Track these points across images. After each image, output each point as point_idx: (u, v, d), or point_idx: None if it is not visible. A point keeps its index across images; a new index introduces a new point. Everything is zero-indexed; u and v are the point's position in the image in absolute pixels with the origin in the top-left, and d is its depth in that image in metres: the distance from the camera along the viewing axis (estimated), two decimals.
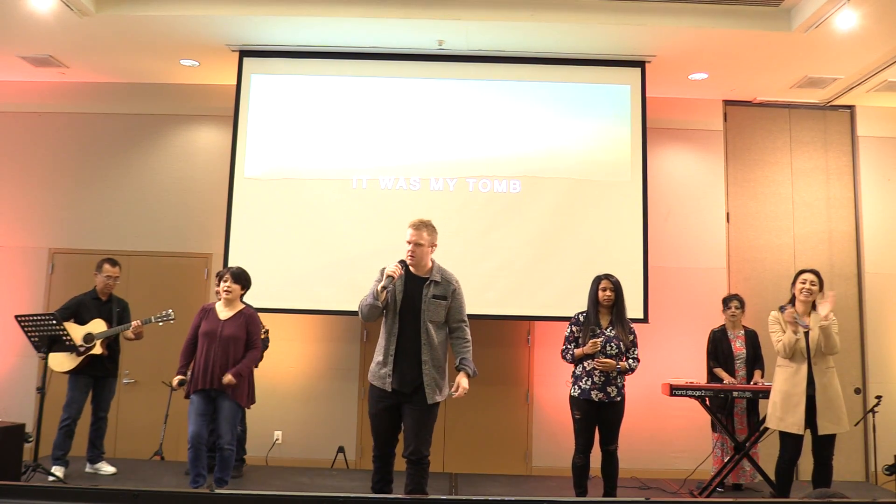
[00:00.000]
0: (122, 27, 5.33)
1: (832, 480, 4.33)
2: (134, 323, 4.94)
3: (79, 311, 4.96)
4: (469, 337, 3.92)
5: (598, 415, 4.38)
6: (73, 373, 4.88)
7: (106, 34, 5.45)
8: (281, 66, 5.86)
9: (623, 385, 4.41)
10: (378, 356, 3.81)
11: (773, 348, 4.43)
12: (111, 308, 5.05)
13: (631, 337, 4.44)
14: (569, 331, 4.54)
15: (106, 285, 5.06)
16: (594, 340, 4.34)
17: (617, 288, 4.46)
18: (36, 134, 6.45)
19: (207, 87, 6.43)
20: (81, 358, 4.85)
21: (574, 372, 4.48)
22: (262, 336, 5.31)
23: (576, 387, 4.43)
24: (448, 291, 3.84)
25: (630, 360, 4.39)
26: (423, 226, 3.82)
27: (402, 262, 3.80)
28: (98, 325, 4.94)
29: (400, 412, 3.78)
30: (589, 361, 4.38)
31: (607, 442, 4.39)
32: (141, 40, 5.55)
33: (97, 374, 4.97)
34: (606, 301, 4.45)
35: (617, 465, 4.42)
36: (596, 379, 4.34)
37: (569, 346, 4.50)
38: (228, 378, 4.32)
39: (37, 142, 6.44)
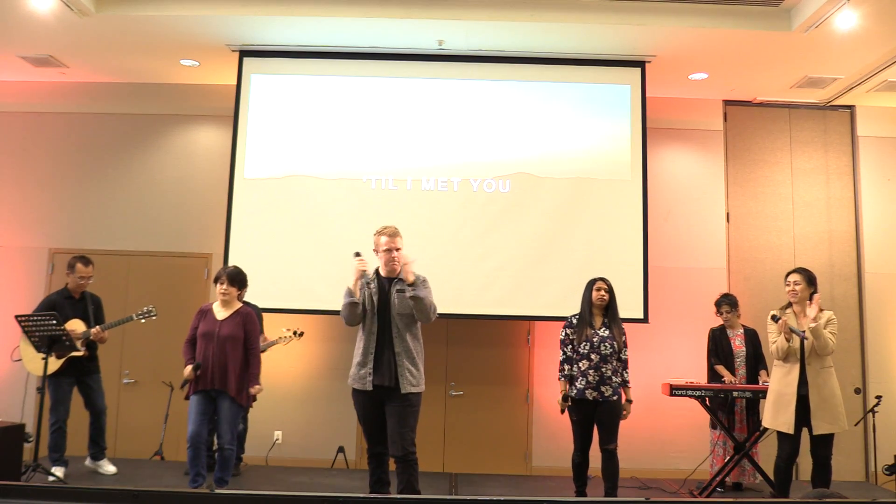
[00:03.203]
0: (122, 27, 5.33)
1: (831, 480, 4.33)
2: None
3: (52, 311, 4.85)
4: (429, 295, 3.99)
5: (595, 413, 4.44)
6: (52, 376, 4.80)
7: (106, 34, 5.45)
8: (281, 66, 5.86)
9: (619, 383, 4.47)
10: (357, 357, 3.99)
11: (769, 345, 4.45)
12: (86, 306, 5.00)
13: (623, 338, 4.54)
14: (563, 334, 4.63)
15: (79, 285, 4.99)
16: (560, 404, 4.54)
17: (611, 290, 4.59)
18: (36, 134, 6.45)
19: (207, 87, 6.43)
20: (62, 360, 4.81)
21: (571, 372, 4.54)
22: (290, 334, 5.46)
23: (572, 387, 4.50)
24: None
25: (625, 374, 4.51)
26: (398, 232, 4.06)
27: (357, 253, 4.05)
28: (76, 326, 4.89)
29: (384, 412, 3.91)
30: (584, 362, 4.44)
31: (605, 441, 4.41)
32: (141, 40, 5.55)
33: (79, 374, 4.92)
34: (600, 301, 4.54)
35: (617, 465, 4.43)
36: (590, 378, 4.41)
37: (564, 365, 4.57)
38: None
39: (37, 142, 6.44)
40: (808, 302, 4.34)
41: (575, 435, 4.52)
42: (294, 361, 6.11)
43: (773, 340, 4.36)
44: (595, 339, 4.46)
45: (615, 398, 4.42)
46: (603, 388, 4.40)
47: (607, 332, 4.49)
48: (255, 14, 5.22)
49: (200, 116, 6.44)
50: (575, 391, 4.45)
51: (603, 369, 4.41)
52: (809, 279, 4.39)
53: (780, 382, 4.33)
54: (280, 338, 5.40)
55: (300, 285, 5.67)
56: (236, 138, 5.83)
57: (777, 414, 4.30)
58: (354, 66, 5.85)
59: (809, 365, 4.24)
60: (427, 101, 5.84)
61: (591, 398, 4.41)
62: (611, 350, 4.44)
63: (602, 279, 4.61)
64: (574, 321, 4.61)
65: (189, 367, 4.40)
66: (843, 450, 5.97)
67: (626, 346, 4.55)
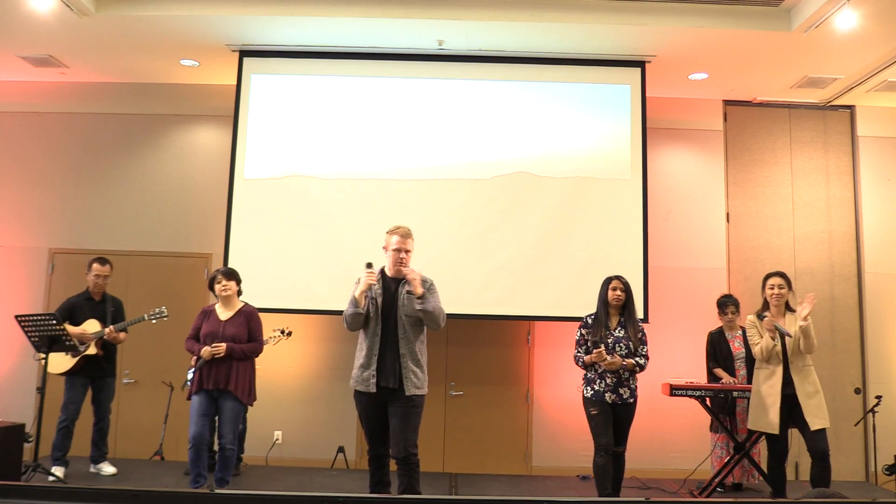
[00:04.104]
0: (122, 27, 5.33)
1: (831, 480, 4.33)
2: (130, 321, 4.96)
3: (73, 312, 4.95)
4: (439, 304, 3.96)
5: (612, 414, 4.37)
6: (68, 374, 4.88)
7: (106, 34, 5.45)
8: (281, 66, 5.86)
9: (636, 387, 4.41)
10: (360, 359, 3.92)
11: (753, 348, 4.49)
12: (105, 308, 5.03)
13: (640, 335, 4.44)
14: (579, 334, 4.53)
15: (96, 284, 5.04)
16: (598, 350, 4.32)
17: (627, 288, 4.48)
18: (36, 134, 6.45)
19: (207, 87, 6.43)
20: (76, 359, 4.85)
21: (586, 375, 4.46)
22: (278, 333, 5.42)
23: (588, 388, 4.41)
24: (423, 287, 3.93)
25: (638, 359, 4.38)
26: (410, 233, 4.02)
27: (369, 264, 3.96)
28: (91, 326, 4.93)
29: (387, 413, 3.87)
30: (599, 364, 4.37)
31: (616, 443, 4.38)
32: (141, 40, 5.55)
33: (94, 375, 4.96)
34: (616, 301, 4.45)
35: (623, 468, 4.43)
36: (608, 381, 4.34)
37: (580, 352, 4.48)
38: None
39: (37, 142, 6.44)
40: (790, 300, 4.43)
41: (597, 430, 4.33)
42: (294, 361, 6.11)
43: (755, 342, 4.40)
44: (610, 340, 4.38)
45: (632, 401, 4.38)
46: (621, 391, 4.33)
47: (623, 332, 4.41)
48: (255, 14, 5.22)
49: (200, 116, 6.44)
50: (592, 392, 4.37)
51: (620, 371, 4.34)
52: (789, 282, 4.46)
53: (764, 384, 4.37)
54: (269, 337, 5.37)
55: (300, 285, 5.67)
56: (236, 138, 5.83)
57: (761, 415, 4.34)
58: (354, 66, 5.85)
59: (792, 364, 4.29)
60: (427, 101, 5.84)
61: (609, 401, 4.34)
62: (626, 351, 4.36)
63: (618, 277, 4.49)
64: (589, 321, 4.51)
65: (207, 349, 4.35)
66: (843, 450, 5.98)
67: (644, 345, 4.43)
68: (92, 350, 4.88)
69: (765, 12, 5.16)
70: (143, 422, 5.96)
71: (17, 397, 6.03)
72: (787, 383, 4.28)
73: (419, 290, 3.83)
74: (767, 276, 4.49)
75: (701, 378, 5.31)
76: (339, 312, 5.62)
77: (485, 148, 5.78)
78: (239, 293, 4.67)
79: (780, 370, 4.30)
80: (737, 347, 5.21)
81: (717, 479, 4.96)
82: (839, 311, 6.23)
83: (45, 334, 4.60)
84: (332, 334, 6.11)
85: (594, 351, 4.33)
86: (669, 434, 5.98)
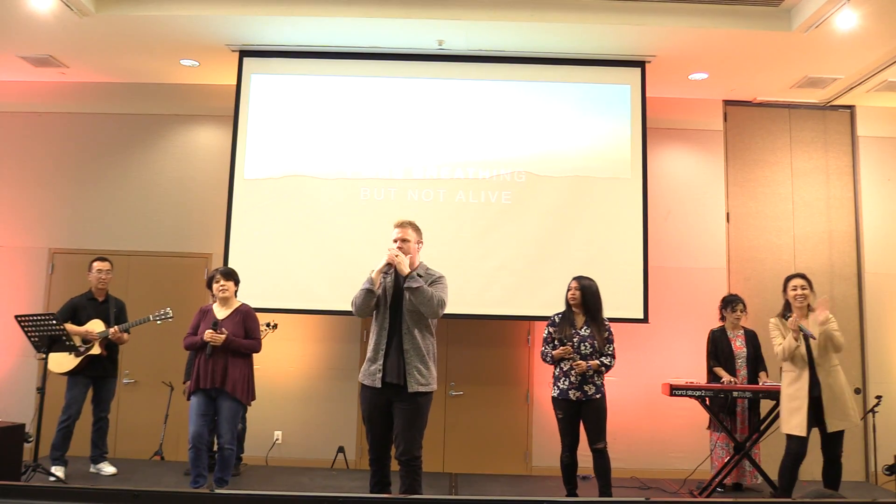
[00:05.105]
0: (122, 27, 5.34)
1: (840, 481, 4.34)
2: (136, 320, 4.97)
3: (75, 313, 4.99)
4: (439, 293, 3.83)
5: (580, 413, 4.46)
6: (71, 374, 4.91)
7: (106, 34, 5.45)
8: (281, 66, 5.86)
9: (602, 383, 4.47)
10: (369, 354, 3.89)
11: (773, 349, 4.48)
12: (108, 308, 5.06)
13: (606, 334, 4.50)
14: (546, 332, 4.63)
15: (98, 280, 5.07)
16: (563, 348, 4.45)
17: (583, 288, 4.55)
18: (36, 134, 6.45)
19: (207, 87, 6.43)
20: (80, 359, 4.86)
21: (554, 373, 4.55)
22: (263, 326, 5.33)
23: (555, 387, 4.51)
24: (429, 280, 3.89)
25: (604, 358, 4.45)
26: (408, 224, 4.00)
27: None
28: (96, 326, 4.95)
29: (391, 412, 3.81)
30: (566, 362, 4.45)
31: (594, 440, 4.43)
32: (141, 40, 5.55)
33: (96, 375, 4.99)
34: (572, 301, 4.56)
35: (608, 464, 4.44)
36: (573, 379, 4.42)
37: (546, 349, 4.58)
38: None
39: (37, 142, 6.44)
40: (811, 303, 4.41)
41: (561, 433, 4.51)
42: (294, 361, 6.11)
43: (778, 343, 4.39)
44: (576, 339, 4.47)
45: (598, 396, 4.43)
46: (586, 388, 4.41)
47: (588, 331, 4.49)
48: (255, 14, 5.22)
49: (200, 116, 6.44)
50: (558, 391, 4.48)
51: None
52: (811, 283, 4.47)
53: (791, 387, 4.36)
54: None
55: (300, 285, 5.67)
56: (236, 138, 5.83)
57: (789, 418, 4.34)
58: (354, 66, 5.85)
59: (819, 366, 4.29)
60: (427, 101, 5.84)
61: (574, 398, 4.42)
62: (591, 350, 4.44)
63: (576, 278, 4.60)
64: (556, 319, 4.62)
65: (208, 331, 4.36)
66: (843, 450, 5.97)
67: (609, 343, 4.48)
68: (96, 350, 4.91)
69: (765, 12, 5.16)
70: (143, 422, 5.96)
71: (17, 397, 6.03)
72: (815, 385, 4.28)
73: (404, 270, 3.78)
74: (789, 278, 4.51)
75: (701, 378, 5.31)
76: (340, 312, 5.70)
77: (485, 147, 5.78)
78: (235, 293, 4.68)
79: (806, 373, 4.30)
80: (738, 347, 5.21)
81: (717, 479, 4.97)
82: (839, 311, 6.22)
83: (45, 334, 4.60)
84: (332, 334, 6.11)
85: (560, 347, 4.45)
86: (669, 434, 5.98)
